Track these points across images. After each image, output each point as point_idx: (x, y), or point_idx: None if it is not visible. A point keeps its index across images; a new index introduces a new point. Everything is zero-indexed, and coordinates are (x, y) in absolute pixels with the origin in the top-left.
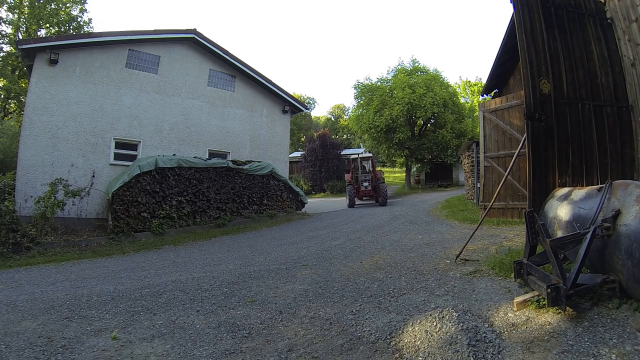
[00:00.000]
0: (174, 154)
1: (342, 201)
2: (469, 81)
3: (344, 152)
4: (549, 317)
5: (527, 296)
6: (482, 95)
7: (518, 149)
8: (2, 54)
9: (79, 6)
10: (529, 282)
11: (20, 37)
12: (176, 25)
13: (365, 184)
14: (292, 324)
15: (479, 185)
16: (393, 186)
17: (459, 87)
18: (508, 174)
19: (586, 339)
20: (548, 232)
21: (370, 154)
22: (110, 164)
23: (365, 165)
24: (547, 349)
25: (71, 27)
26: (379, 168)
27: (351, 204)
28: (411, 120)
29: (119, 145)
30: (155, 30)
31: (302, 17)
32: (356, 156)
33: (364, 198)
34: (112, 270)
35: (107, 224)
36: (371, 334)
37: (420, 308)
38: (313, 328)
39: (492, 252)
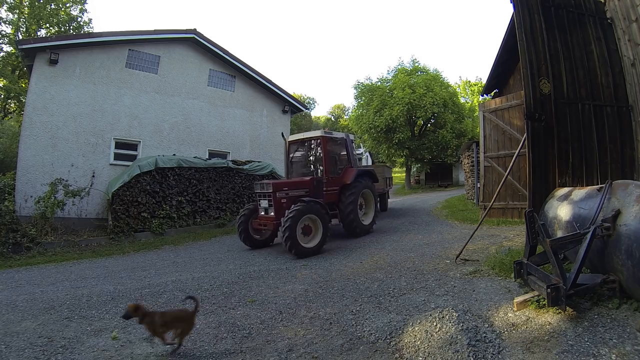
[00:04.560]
0: (174, 154)
1: None
2: (469, 81)
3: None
4: (549, 317)
5: (527, 296)
6: (482, 95)
7: (518, 149)
8: (2, 54)
9: (79, 6)
10: (529, 282)
11: (20, 37)
12: (176, 25)
13: (264, 202)
14: (292, 324)
15: (479, 185)
16: (393, 186)
17: (459, 87)
18: (508, 174)
19: (586, 339)
20: (548, 232)
21: (343, 135)
22: (110, 164)
23: (325, 153)
24: (547, 349)
25: (71, 27)
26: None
27: (245, 239)
28: (411, 120)
29: (119, 145)
30: (155, 30)
31: (302, 17)
32: (298, 137)
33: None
34: (112, 270)
35: (107, 224)
36: (371, 334)
37: (420, 308)
38: (313, 328)
39: (492, 252)
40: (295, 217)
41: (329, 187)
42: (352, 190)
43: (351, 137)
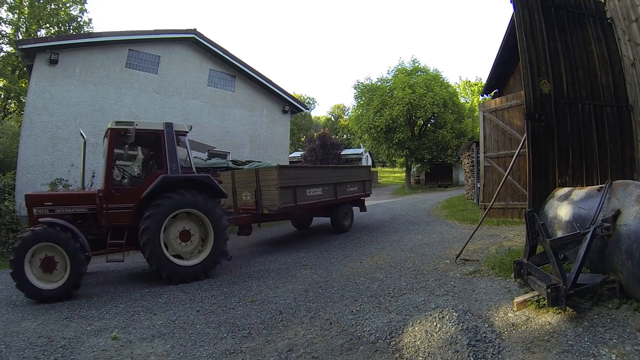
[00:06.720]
0: None
1: None
2: (469, 81)
3: (344, 152)
4: (549, 317)
5: (527, 296)
6: (482, 95)
7: (518, 149)
8: (2, 54)
9: (79, 6)
10: (529, 282)
11: (20, 37)
12: (176, 25)
13: None
14: (292, 324)
15: (479, 185)
16: (393, 186)
17: (459, 87)
18: (508, 174)
19: (586, 339)
20: (548, 232)
21: (160, 125)
22: None
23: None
24: (547, 349)
25: (71, 27)
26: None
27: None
28: (411, 120)
29: None
30: (155, 30)
31: (302, 17)
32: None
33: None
34: (112, 270)
35: None
36: (371, 334)
37: (420, 308)
38: (313, 328)
39: (492, 252)
40: (21, 249)
41: (111, 204)
42: (152, 209)
43: (180, 127)
